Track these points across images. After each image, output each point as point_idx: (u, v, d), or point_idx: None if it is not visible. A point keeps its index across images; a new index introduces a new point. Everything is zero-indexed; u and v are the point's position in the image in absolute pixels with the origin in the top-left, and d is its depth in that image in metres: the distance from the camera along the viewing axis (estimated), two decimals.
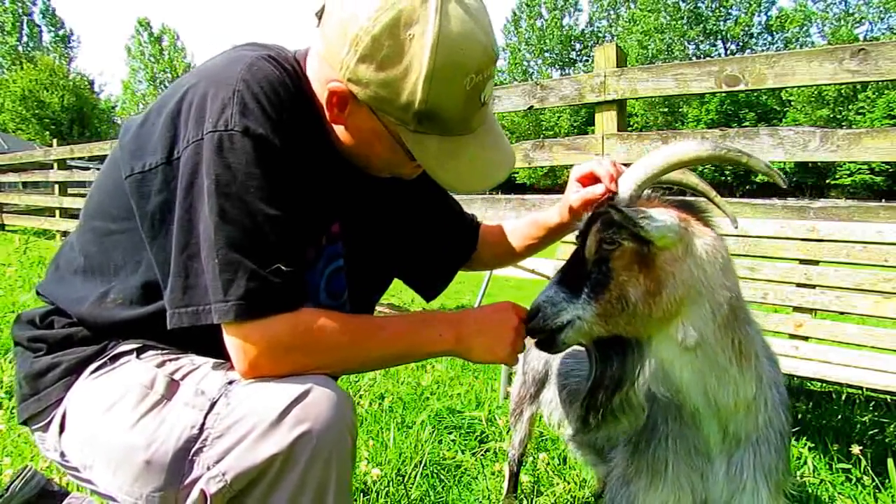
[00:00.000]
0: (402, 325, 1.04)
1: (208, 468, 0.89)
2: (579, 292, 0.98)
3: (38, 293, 1.13)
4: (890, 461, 1.92)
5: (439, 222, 1.41)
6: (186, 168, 0.92)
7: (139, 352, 1.01)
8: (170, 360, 1.01)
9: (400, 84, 0.92)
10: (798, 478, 2.02)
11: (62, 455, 1.04)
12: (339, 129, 1.04)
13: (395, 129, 0.98)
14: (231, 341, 0.91)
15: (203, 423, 0.91)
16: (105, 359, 1.01)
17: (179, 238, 0.92)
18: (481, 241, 1.48)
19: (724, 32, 48.97)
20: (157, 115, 0.99)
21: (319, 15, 1.00)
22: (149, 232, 0.98)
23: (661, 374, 1.02)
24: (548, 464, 2.13)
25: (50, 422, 1.03)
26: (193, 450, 0.91)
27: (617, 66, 3.17)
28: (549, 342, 1.03)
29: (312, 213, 1.05)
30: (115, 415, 0.95)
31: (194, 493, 0.90)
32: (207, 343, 0.99)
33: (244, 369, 0.92)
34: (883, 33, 43.70)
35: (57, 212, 9.36)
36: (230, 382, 0.94)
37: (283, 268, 0.91)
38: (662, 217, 0.95)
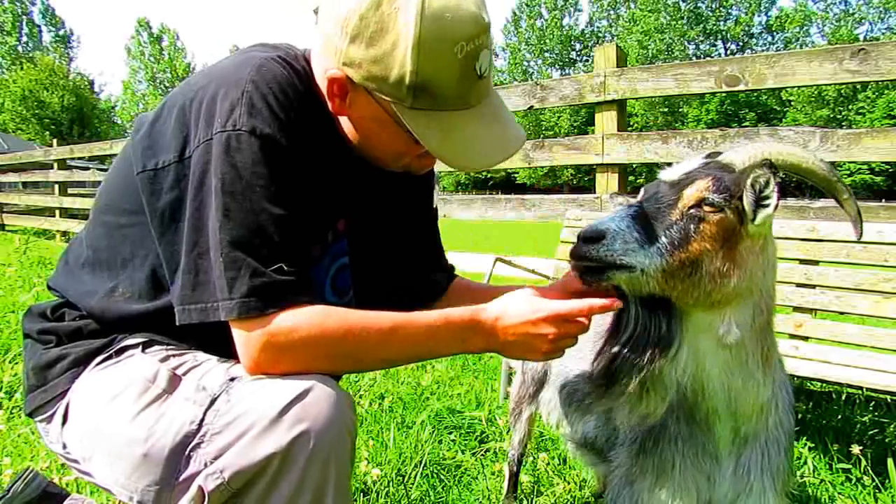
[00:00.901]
0: (420, 326, 0.97)
1: (206, 465, 0.89)
2: (654, 239, 0.90)
3: (48, 287, 1.15)
4: (890, 461, 1.92)
5: (418, 254, 1.35)
6: (197, 167, 0.94)
7: (145, 346, 1.02)
8: (174, 355, 1.01)
9: (390, 58, 0.92)
10: (798, 478, 2.02)
11: (64, 447, 1.04)
12: (344, 122, 1.05)
13: (394, 110, 0.97)
14: (237, 338, 0.92)
15: (202, 419, 0.91)
16: (111, 351, 1.02)
17: (189, 236, 0.94)
18: (451, 294, 1.36)
19: (724, 32, 48.97)
20: (168, 114, 1.01)
21: (317, 12, 1.01)
22: (158, 228, 0.99)
23: (692, 366, 0.97)
24: (548, 464, 2.13)
25: (54, 413, 1.04)
26: (191, 445, 0.91)
27: (617, 66, 3.17)
28: (596, 273, 0.92)
29: (319, 211, 1.06)
30: (117, 407, 0.96)
31: (192, 490, 0.90)
32: (214, 339, 0.99)
33: (249, 366, 0.93)
34: (883, 33, 43.71)
35: (57, 212, 9.36)
36: (232, 379, 0.94)
37: (285, 267, 0.91)
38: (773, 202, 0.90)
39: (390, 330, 0.96)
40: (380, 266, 1.28)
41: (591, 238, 0.90)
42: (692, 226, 0.90)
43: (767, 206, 0.90)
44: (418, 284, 1.35)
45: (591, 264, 0.91)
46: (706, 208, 0.91)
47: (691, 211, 0.91)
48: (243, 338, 0.91)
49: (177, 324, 0.93)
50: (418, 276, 1.35)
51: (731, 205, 0.91)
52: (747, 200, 0.90)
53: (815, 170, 0.97)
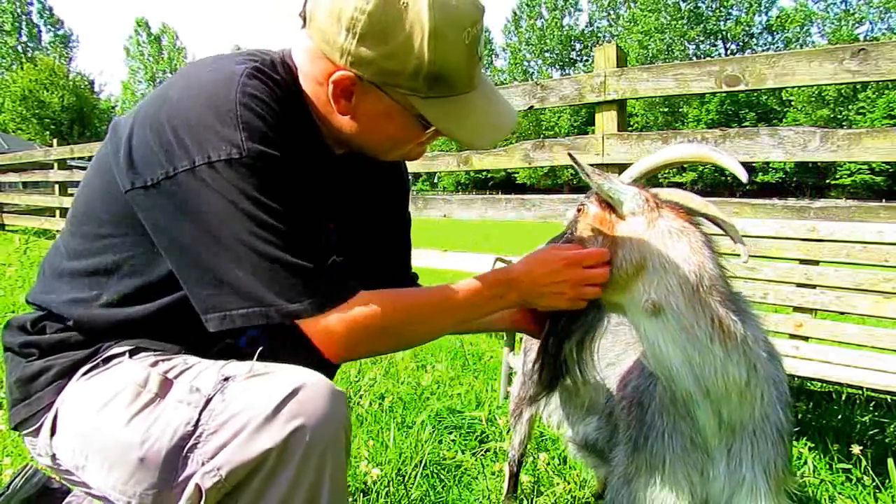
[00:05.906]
0: (464, 291, 1.06)
1: (202, 464, 0.89)
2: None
3: (27, 302, 1.12)
4: (890, 461, 1.92)
5: (395, 254, 1.39)
6: (198, 191, 0.91)
7: (132, 353, 1.01)
8: (163, 359, 1.00)
9: (405, 50, 0.94)
10: (798, 478, 2.02)
11: (53, 458, 1.03)
12: (345, 120, 1.04)
13: (407, 101, 0.99)
14: (313, 335, 0.95)
15: (198, 420, 0.91)
16: (97, 360, 1.01)
17: (210, 252, 0.92)
18: None
19: (724, 32, 49.00)
20: (142, 129, 0.96)
21: (303, 16, 1.01)
22: (167, 246, 0.96)
23: (646, 345, 1.08)
24: (548, 464, 2.13)
25: (41, 426, 1.03)
26: (188, 447, 0.91)
27: (617, 66, 3.17)
28: None
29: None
30: (108, 414, 0.95)
31: (189, 489, 0.89)
32: (202, 342, 1.00)
33: (331, 355, 0.97)
34: (883, 33, 43.73)
35: (57, 212, 9.35)
36: (226, 379, 0.94)
37: (336, 259, 0.96)
38: (625, 188, 1.10)
39: (441, 300, 1.05)
40: (368, 267, 1.27)
41: None
42: (575, 225, 1.17)
43: (624, 192, 1.09)
44: (407, 284, 1.37)
45: None
46: (578, 212, 1.18)
47: (572, 220, 1.19)
48: (322, 332, 0.94)
49: (211, 330, 0.94)
50: (403, 277, 1.39)
51: (590, 200, 1.15)
52: (602, 193, 1.11)
53: (686, 156, 1.14)
